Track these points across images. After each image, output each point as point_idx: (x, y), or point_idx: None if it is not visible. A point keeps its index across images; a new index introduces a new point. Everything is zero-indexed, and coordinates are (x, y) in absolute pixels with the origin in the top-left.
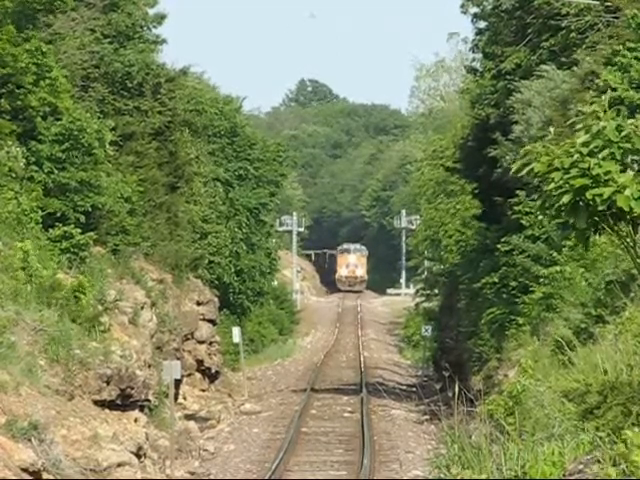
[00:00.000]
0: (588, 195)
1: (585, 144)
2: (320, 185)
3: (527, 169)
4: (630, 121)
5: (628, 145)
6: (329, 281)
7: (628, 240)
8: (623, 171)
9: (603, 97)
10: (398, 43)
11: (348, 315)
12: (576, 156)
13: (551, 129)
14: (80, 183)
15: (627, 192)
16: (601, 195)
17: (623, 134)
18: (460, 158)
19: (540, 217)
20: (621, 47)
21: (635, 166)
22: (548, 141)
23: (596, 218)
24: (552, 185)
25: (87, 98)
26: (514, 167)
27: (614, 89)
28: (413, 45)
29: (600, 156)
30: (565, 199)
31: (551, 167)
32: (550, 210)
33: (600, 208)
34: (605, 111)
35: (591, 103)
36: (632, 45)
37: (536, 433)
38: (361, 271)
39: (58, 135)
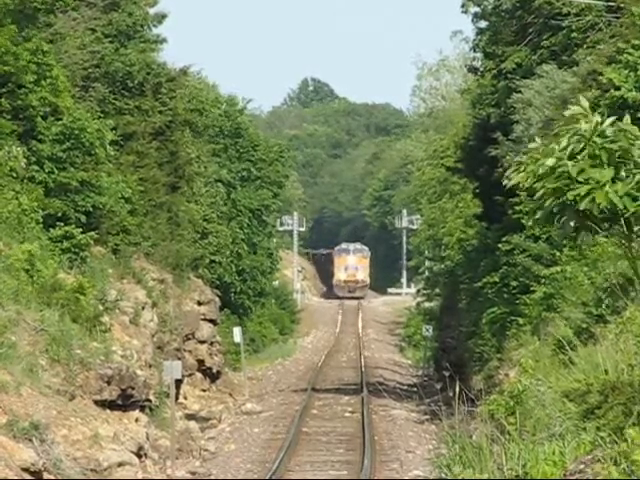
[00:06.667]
0: (569, 196)
1: (565, 148)
2: (321, 185)
3: (513, 182)
4: (608, 120)
5: (614, 146)
6: (329, 282)
7: (624, 241)
8: (617, 172)
9: (582, 100)
10: (400, 42)
11: (349, 315)
12: (551, 161)
13: (537, 139)
14: (81, 183)
15: (607, 188)
16: (579, 194)
17: (606, 134)
18: (461, 158)
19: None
20: (625, 45)
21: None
22: (534, 150)
23: (588, 222)
24: (539, 193)
25: (88, 98)
26: (510, 183)
27: (617, 88)
28: (415, 44)
29: (579, 157)
30: (547, 204)
31: (536, 177)
32: (540, 217)
33: (582, 207)
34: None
35: (588, 104)
36: (637, 43)
37: (537, 433)
38: (362, 274)
39: (59, 135)
